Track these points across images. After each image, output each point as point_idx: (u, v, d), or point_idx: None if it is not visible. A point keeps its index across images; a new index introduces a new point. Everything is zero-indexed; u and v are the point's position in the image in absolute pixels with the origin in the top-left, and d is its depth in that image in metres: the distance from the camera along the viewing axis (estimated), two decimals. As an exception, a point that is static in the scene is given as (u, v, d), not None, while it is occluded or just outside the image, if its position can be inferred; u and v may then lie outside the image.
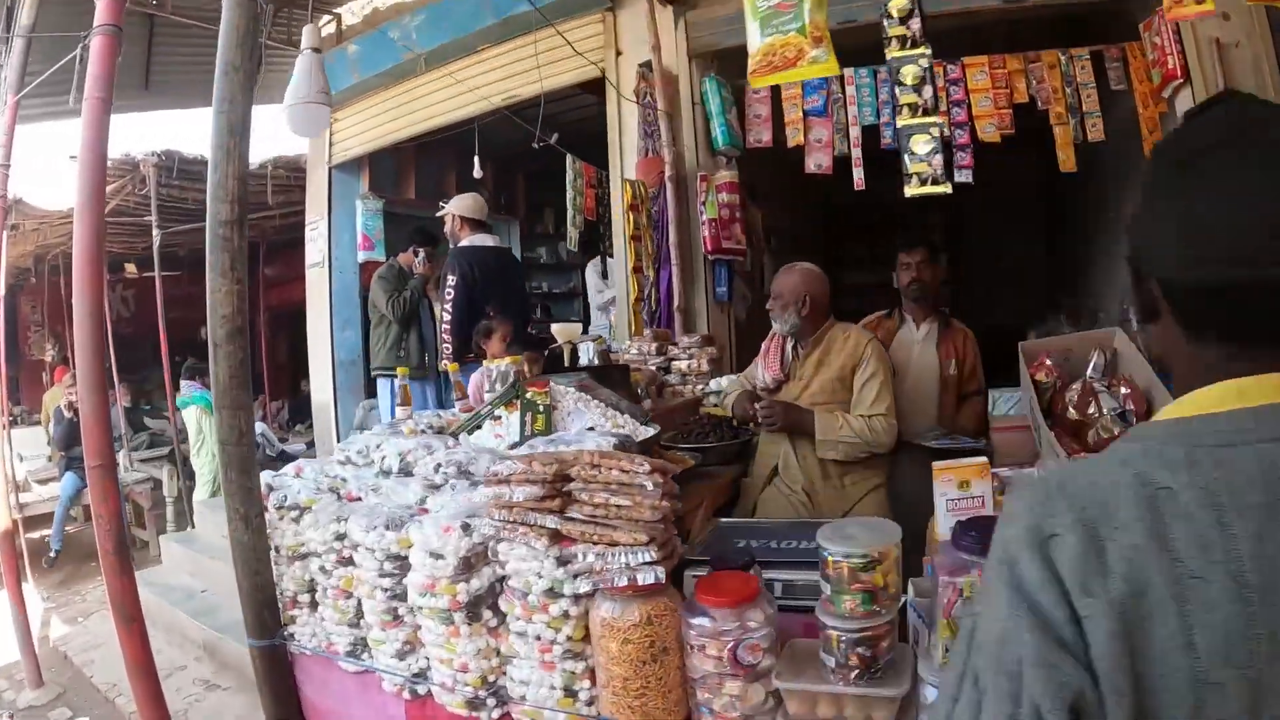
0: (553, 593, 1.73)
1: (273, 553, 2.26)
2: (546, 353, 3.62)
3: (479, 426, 2.62)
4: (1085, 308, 5.80)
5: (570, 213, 5.63)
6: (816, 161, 4.57)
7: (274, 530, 2.27)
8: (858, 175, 4.47)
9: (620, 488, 1.69)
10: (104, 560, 2.58)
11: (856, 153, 4.49)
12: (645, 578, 1.58)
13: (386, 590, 1.97)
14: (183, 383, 7.33)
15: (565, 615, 1.73)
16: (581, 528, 1.71)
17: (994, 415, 3.06)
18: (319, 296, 6.75)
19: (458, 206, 4.62)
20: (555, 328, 3.61)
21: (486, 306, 4.37)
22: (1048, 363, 2.68)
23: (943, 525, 1.76)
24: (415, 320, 5.30)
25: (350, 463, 2.42)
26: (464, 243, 4.54)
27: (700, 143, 4.66)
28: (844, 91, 4.51)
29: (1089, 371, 2.66)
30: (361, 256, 6.57)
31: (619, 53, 4.88)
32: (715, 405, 3.49)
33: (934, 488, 1.78)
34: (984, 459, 1.89)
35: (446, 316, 4.45)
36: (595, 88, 5.27)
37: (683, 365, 3.53)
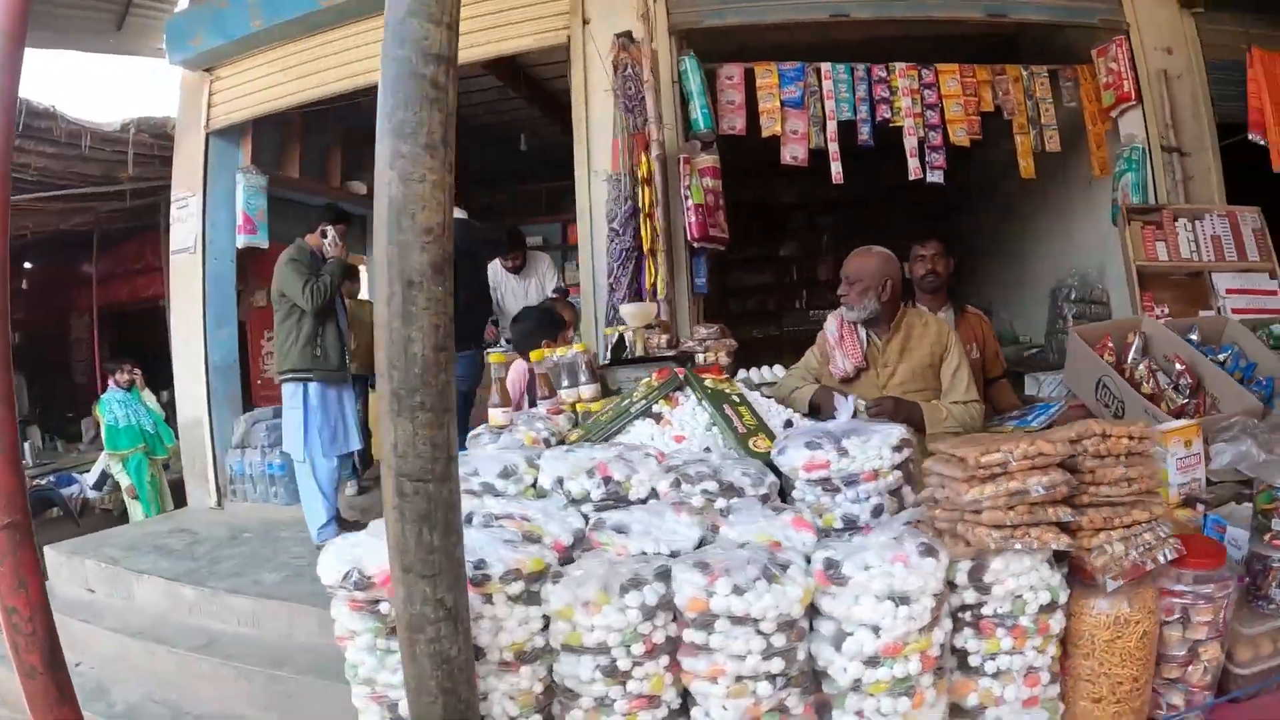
0: (1052, 606, 1.52)
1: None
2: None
3: (619, 430, 2.34)
4: (979, 306, 6.69)
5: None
6: (792, 153, 4.75)
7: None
8: (835, 169, 4.64)
9: (1131, 458, 1.55)
10: (27, 689, 1.58)
11: (834, 147, 4.69)
12: (1168, 554, 1.52)
13: (779, 677, 1.43)
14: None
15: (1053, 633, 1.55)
16: (1104, 513, 1.52)
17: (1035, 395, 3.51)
18: (187, 289, 6.03)
19: None
20: (627, 310, 3.52)
21: (456, 283, 4.17)
22: (1109, 345, 3.13)
23: (1174, 480, 2.03)
24: (332, 312, 4.86)
25: (492, 492, 1.89)
26: None
27: (678, 124, 4.64)
28: (820, 85, 4.72)
29: (1131, 354, 3.09)
30: (241, 241, 5.89)
31: (586, 20, 4.78)
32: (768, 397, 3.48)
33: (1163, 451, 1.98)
34: (1193, 421, 2.20)
35: None
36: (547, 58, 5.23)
37: (699, 359, 3.40)
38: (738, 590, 1.39)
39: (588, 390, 2.72)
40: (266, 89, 5.74)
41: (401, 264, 1.19)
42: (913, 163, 4.77)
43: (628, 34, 4.55)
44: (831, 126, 4.70)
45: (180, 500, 6.41)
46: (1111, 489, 1.51)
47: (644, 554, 1.60)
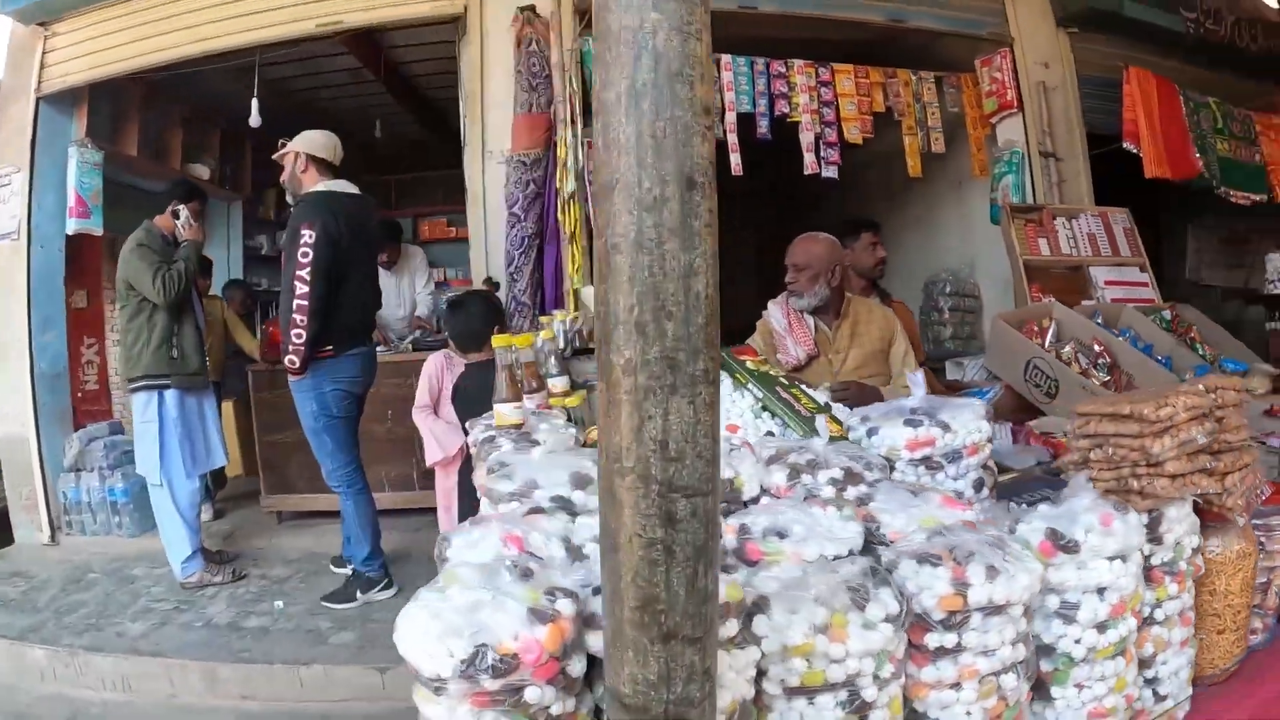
0: (1198, 548, 1.60)
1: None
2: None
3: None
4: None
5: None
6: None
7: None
8: (735, 161, 4.70)
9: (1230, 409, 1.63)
10: None
11: (733, 138, 4.77)
12: (1265, 492, 1.66)
13: (1022, 665, 1.35)
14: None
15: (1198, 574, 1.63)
16: (1232, 457, 1.58)
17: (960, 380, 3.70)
18: (8, 282, 5.30)
19: (307, 144, 3.93)
20: (591, 292, 3.36)
21: (349, 273, 3.85)
22: (1035, 329, 3.37)
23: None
24: (189, 307, 4.41)
25: (569, 508, 1.51)
26: (319, 187, 3.88)
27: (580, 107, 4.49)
28: (721, 77, 4.78)
29: (1049, 338, 3.36)
30: (72, 226, 5.27)
31: (483, -9, 4.64)
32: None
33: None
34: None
35: (300, 289, 3.67)
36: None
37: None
38: (991, 575, 1.27)
39: (559, 383, 2.52)
40: (110, 48, 5.18)
41: (679, 154, 0.83)
42: (809, 158, 4.92)
43: (531, 8, 4.50)
44: (731, 118, 4.79)
45: (4, 537, 5.50)
46: (1234, 435, 1.60)
47: (823, 558, 1.36)
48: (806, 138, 4.91)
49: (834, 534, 1.41)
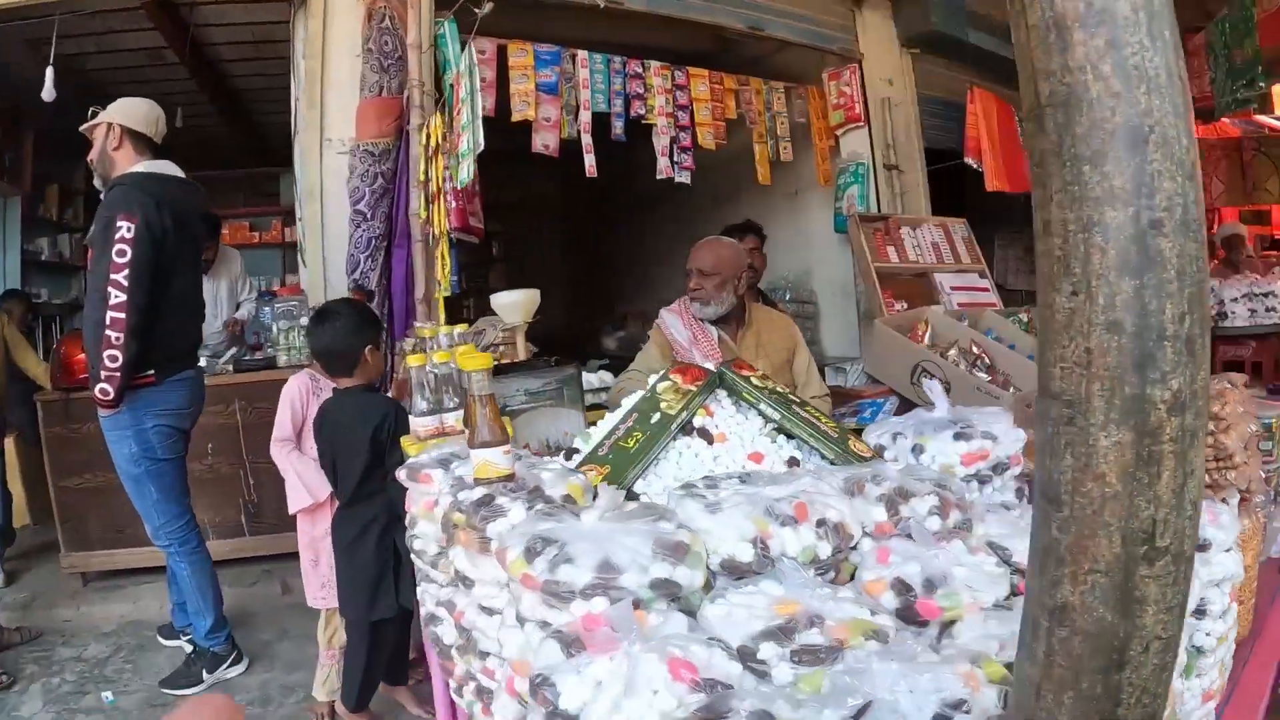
0: None
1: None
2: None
3: (655, 459, 1.81)
4: (636, 310, 7.39)
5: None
6: (544, 141, 4.65)
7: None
8: (589, 161, 4.62)
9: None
10: None
11: (587, 138, 4.68)
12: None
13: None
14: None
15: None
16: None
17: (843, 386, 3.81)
18: None
19: (124, 114, 3.41)
20: (505, 300, 2.99)
21: (175, 279, 3.32)
22: (919, 333, 3.53)
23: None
24: None
25: (669, 594, 1.18)
26: (138, 168, 3.34)
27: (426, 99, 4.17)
28: (577, 73, 4.72)
29: (927, 341, 3.52)
30: None
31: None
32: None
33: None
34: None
35: (116, 297, 3.07)
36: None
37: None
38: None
39: (453, 418, 2.23)
40: None
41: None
42: (663, 161, 4.94)
43: (385, -21, 4.17)
44: (585, 117, 4.71)
45: None
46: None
47: (998, 604, 1.25)
48: (662, 141, 4.93)
49: (988, 572, 1.30)
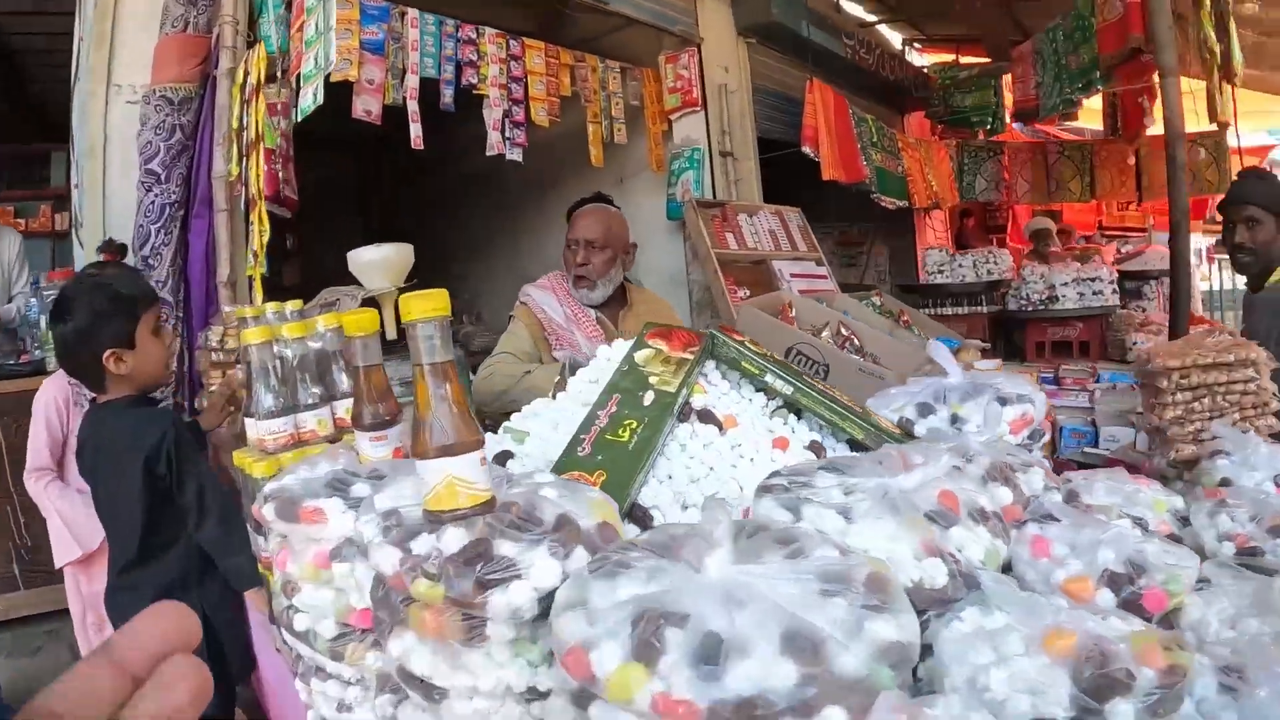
0: None
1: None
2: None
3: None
4: (480, 304, 7.39)
5: None
6: (366, 106, 4.16)
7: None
8: (415, 131, 4.34)
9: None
10: None
11: (414, 106, 4.37)
12: None
13: None
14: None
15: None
16: None
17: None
18: None
19: None
20: (371, 257, 2.59)
21: None
22: (790, 315, 3.53)
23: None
24: None
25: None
26: None
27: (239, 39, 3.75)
28: (406, 34, 4.41)
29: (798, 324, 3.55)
30: None
31: None
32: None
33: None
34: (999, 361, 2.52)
35: None
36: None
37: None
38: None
39: (314, 419, 1.79)
40: None
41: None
42: (494, 136, 4.73)
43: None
44: (413, 82, 4.40)
45: None
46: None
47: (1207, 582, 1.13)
48: (494, 114, 4.73)
49: (1167, 548, 1.12)
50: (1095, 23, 5.65)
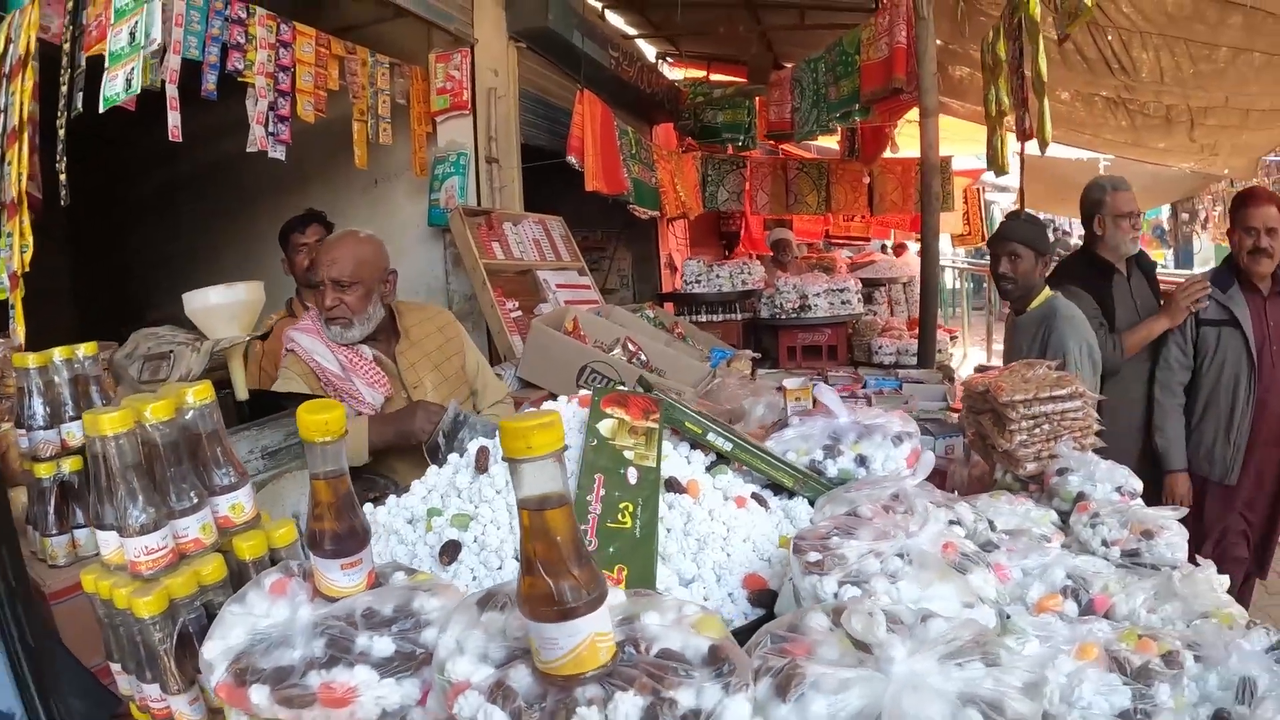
0: None
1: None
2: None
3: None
4: (171, 316, 6.91)
5: None
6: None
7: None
8: (174, 120, 3.95)
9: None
10: None
11: (173, 91, 3.98)
12: None
13: None
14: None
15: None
16: None
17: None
18: None
19: None
20: (217, 299, 2.18)
21: None
22: (580, 332, 3.81)
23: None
24: None
25: None
26: None
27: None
28: (171, 5, 3.97)
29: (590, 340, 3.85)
30: None
31: None
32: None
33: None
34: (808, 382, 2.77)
35: None
36: None
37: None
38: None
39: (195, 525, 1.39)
40: None
41: None
42: (258, 131, 4.55)
43: None
44: (174, 63, 4.01)
45: None
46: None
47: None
48: (260, 105, 4.56)
49: (1091, 560, 1.55)
50: (860, 60, 6.38)
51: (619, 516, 1.42)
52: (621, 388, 1.77)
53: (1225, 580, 1.48)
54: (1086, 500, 1.79)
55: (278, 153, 4.69)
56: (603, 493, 1.46)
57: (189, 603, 1.28)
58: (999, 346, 4.19)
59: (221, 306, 2.18)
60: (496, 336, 4.77)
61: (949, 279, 15.07)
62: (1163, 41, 6.28)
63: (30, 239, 3.21)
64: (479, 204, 5.77)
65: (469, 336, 3.21)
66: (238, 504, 1.40)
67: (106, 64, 3.18)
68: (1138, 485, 1.86)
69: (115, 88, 3.10)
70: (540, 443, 0.90)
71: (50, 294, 7.99)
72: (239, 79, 4.53)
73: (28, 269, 3.20)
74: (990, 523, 1.64)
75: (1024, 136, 5.42)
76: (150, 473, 1.30)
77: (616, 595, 1.01)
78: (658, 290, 9.63)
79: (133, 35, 3.03)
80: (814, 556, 1.25)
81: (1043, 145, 5.19)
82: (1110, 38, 6.69)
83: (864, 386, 4.38)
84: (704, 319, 6.38)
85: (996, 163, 5.92)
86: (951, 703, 0.88)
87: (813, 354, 6.03)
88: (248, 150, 4.57)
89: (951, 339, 6.77)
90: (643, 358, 3.63)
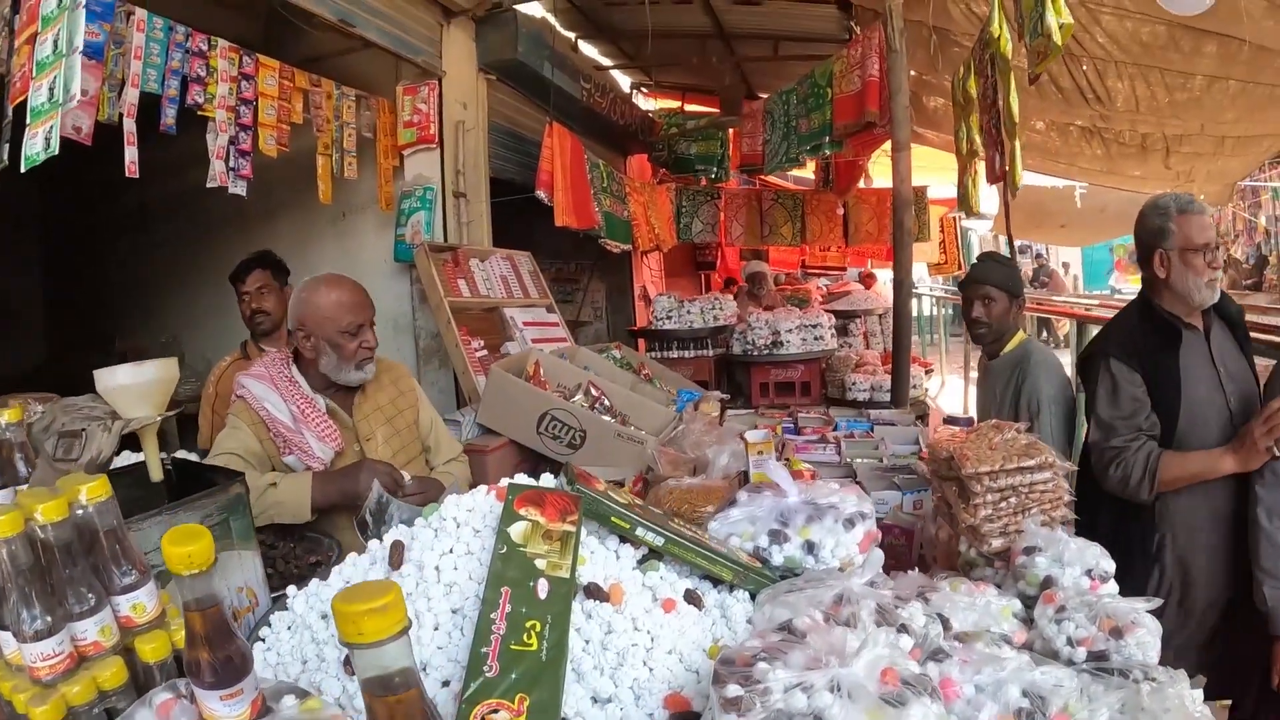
0: None
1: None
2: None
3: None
4: (137, 345, 7.07)
5: None
6: (75, 121, 3.58)
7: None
8: (130, 156, 3.96)
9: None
10: None
11: (131, 126, 4.00)
12: None
13: None
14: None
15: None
16: None
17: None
18: None
19: None
20: (125, 379, 2.02)
21: None
22: (540, 377, 3.74)
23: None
24: None
25: None
26: None
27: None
28: (130, 37, 4.05)
29: (551, 385, 3.79)
30: None
31: None
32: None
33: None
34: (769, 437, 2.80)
35: None
36: None
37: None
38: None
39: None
40: None
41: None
42: (218, 166, 4.49)
43: None
44: (133, 95, 4.03)
45: None
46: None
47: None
48: (220, 140, 4.51)
49: (1052, 673, 1.42)
50: (832, 93, 6.41)
51: (524, 638, 1.32)
52: (542, 481, 1.69)
53: (1199, 695, 1.40)
54: (1053, 589, 1.72)
55: (238, 188, 4.65)
56: (508, 609, 1.36)
57: (88, 710, 1.23)
58: (977, 373, 4.22)
59: (131, 386, 2.08)
60: (461, 377, 4.71)
61: (926, 306, 15.15)
62: (1137, 71, 6.33)
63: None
64: (446, 239, 5.74)
65: (424, 393, 3.19)
66: (138, 604, 1.34)
67: (28, 119, 3.10)
68: (1109, 567, 1.78)
69: (35, 147, 3.00)
70: (372, 629, 0.84)
71: (20, 317, 8.03)
72: (199, 113, 4.49)
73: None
74: (945, 621, 1.55)
75: (994, 179, 5.41)
76: (45, 575, 1.24)
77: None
78: (631, 321, 9.66)
79: (51, 91, 2.98)
80: (733, 692, 1.16)
81: (1013, 190, 5.17)
82: (1085, 68, 6.77)
83: (835, 429, 4.32)
84: (675, 355, 6.33)
85: (968, 203, 5.96)
86: None
87: (785, 390, 6.00)
88: (208, 185, 4.51)
89: (927, 373, 6.78)
90: (606, 403, 3.59)
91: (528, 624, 1.33)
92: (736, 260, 11.31)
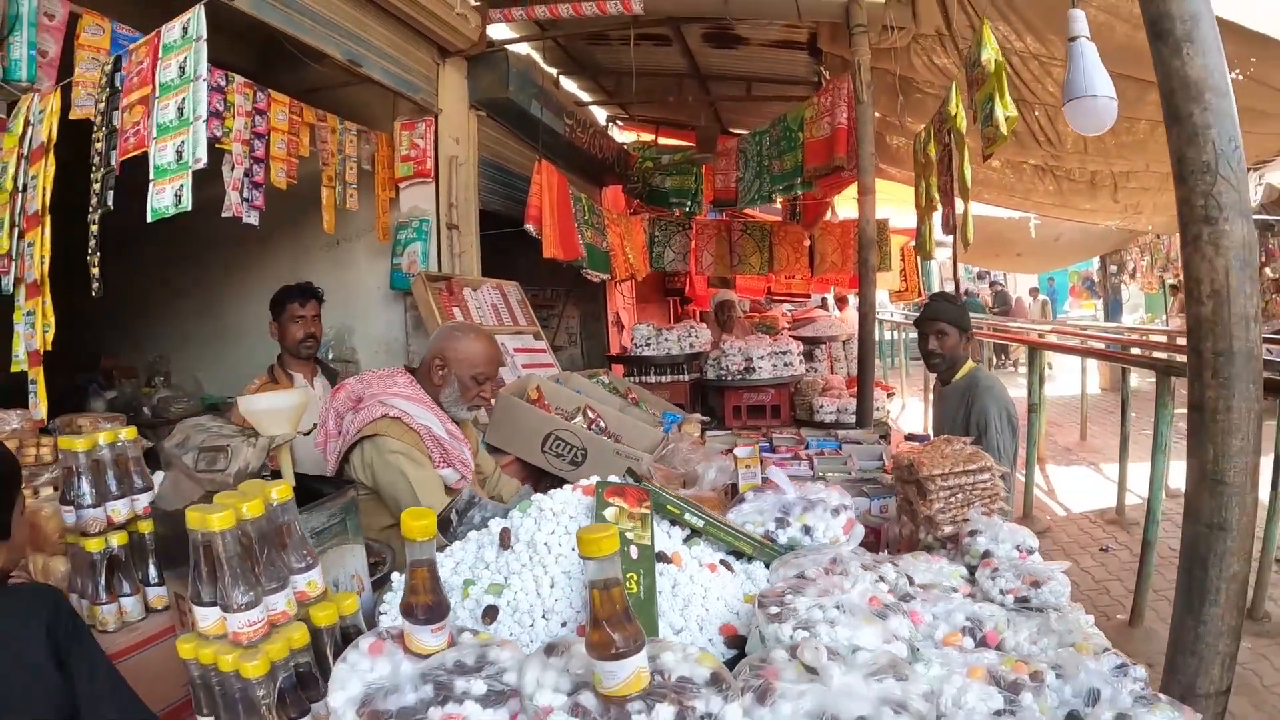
0: None
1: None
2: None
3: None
4: (124, 365, 7.01)
5: None
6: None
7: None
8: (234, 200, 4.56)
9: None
10: None
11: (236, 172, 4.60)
12: None
13: None
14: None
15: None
16: None
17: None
18: None
19: None
20: (267, 404, 2.55)
21: None
22: (544, 401, 4.11)
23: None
24: None
25: None
26: None
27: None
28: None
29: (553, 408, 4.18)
30: None
31: None
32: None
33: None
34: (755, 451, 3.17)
35: None
36: None
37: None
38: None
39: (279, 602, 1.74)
40: None
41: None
42: (234, 197, 4.71)
43: None
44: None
45: None
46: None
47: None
48: (236, 173, 4.76)
49: (986, 606, 2.00)
50: (803, 137, 6.92)
51: (629, 585, 1.80)
52: (614, 479, 2.19)
53: (1091, 619, 1.97)
54: (990, 558, 2.24)
55: (252, 218, 4.87)
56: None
57: (284, 664, 1.65)
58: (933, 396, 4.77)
59: (272, 410, 2.54)
60: (455, 401, 5.06)
61: (887, 332, 15.75)
62: (1085, 117, 6.91)
63: (52, 318, 3.53)
64: (440, 269, 6.09)
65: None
66: (312, 581, 1.78)
67: (152, 175, 3.39)
68: (1034, 544, 2.29)
69: (164, 201, 3.33)
70: (608, 548, 1.40)
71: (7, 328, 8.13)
72: (216, 145, 4.64)
73: (49, 348, 3.51)
74: (909, 578, 2.05)
75: (949, 230, 6.02)
76: (248, 558, 1.64)
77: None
78: (605, 347, 10.08)
79: (179, 154, 3.26)
80: (774, 609, 1.71)
81: (965, 243, 5.80)
82: (1037, 113, 7.38)
83: (807, 447, 4.72)
84: (653, 380, 6.76)
85: (925, 249, 6.61)
86: (873, 703, 1.39)
87: (757, 413, 6.42)
88: (223, 215, 4.74)
89: (889, 396, 7.26)
90: (602, 424, 3.98)
91: (628, 575, 1.82)
92: (705, 288, 11.79)
